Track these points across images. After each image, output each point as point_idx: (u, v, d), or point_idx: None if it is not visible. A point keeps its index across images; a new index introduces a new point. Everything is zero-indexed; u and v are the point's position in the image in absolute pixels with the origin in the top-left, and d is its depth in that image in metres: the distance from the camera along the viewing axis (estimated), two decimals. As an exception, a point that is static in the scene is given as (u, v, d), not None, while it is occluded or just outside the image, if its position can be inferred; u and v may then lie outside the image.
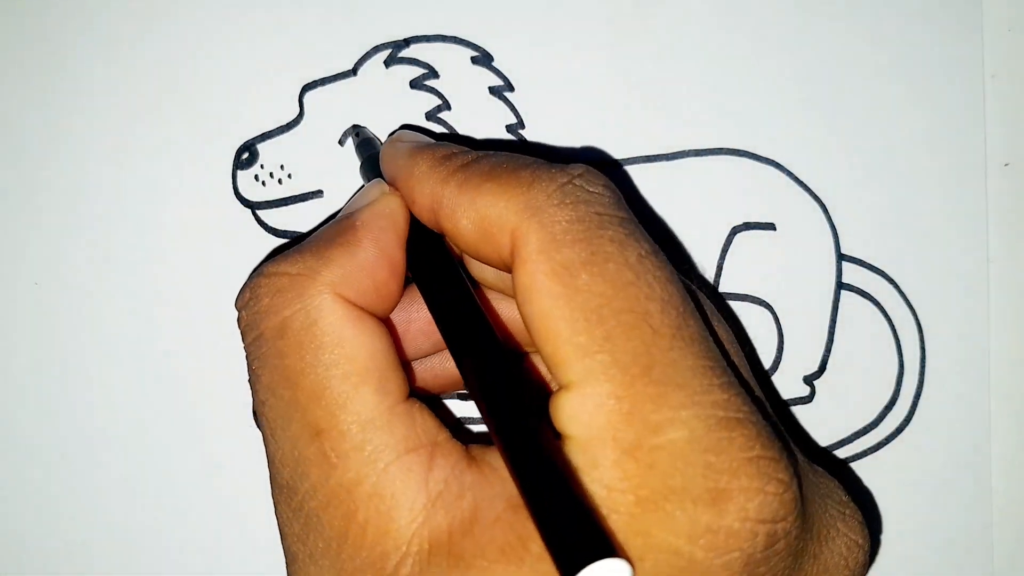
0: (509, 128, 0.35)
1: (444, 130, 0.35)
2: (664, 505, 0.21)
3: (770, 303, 0.35)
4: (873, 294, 0.36)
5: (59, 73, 0.35)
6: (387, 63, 0.35)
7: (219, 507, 0.35)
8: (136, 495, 0.35)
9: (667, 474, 0.21)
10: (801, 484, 0.23)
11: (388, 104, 0.35)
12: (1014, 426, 0.36)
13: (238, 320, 0.26)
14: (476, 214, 0.24)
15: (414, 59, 0.35)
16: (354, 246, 0.26)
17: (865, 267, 0.36)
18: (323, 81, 0.35)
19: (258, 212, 0.35)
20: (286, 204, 0.35)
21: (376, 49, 0.35)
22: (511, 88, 0.35)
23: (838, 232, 0.36)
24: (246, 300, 0.26)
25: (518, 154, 0.26)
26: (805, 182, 0.35)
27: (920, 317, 0.36)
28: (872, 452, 0.35)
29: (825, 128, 0.36)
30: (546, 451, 0.21)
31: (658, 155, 0.35)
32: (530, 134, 0.35)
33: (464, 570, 0.22)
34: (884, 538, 0.35)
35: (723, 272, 0.35)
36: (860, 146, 0.36)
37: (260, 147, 0.35)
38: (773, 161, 0.35)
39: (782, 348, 0.35)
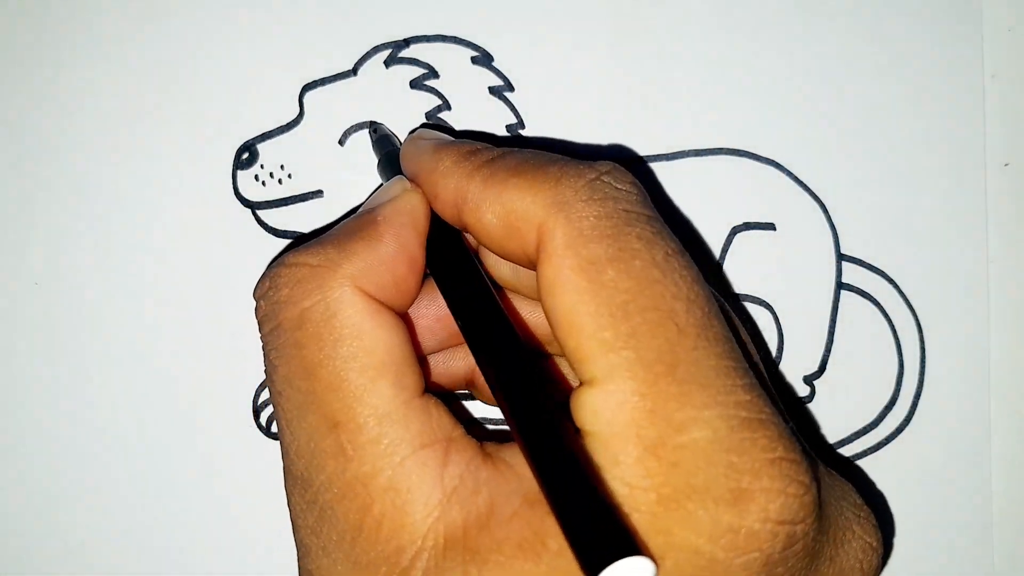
0: (509, 128, 0.35)
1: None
2: (686, 504, 0.21)
3: (770, 303, 0.35)
4: (873, 294, 0.36)
5: (59, 73, 0.35)
6: (387, 63, 0.35)
7: (219, 507, 0.35)
8: (136, 495, 0.35)
9: (690, 473, 0.21)
10: (820, 487, 0.23)
11: (388, 104, 0.35)
12: (1014, 426, 0.36)
13: (256, 309, 0.26)
14: (502, 208, 0.24)
15: (414, 59, 0.35)
16: (375, 240, 0.26)
17: (865, 267, 0.36)
18: (323, 81, 0.35)
19: (258, 212, 0.35)
20: (286, 204, 0.35)
21: (376, 49, 0.35)
22: (511, 88, 0.35)
23: (838, 232, 0.36)
24: (265, 289, 0.26)
25: (543, 151, 0.26)
26: (805, 182, 0.36)
27: (920, 317, 0.36)
28: (872, 452, 0.35)
29: (825, 128, 0.36)
30: (568, 447, 0.21)
31: (658, 155, 0.35)
32: (530, 134, 0.35)
33: (480, 565, 0.22)
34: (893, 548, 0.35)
35: (723, 272, 0.35)
36: (860, 146, 0.36)
37: (260, 147, 0.35)
38: (773, 161, 0.35)
39: (782, 348, 0.35)
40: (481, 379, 0.30)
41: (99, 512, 0.35)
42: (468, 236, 0.28)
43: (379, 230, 0.26)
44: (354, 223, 0.27)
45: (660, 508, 0.21)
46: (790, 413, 0.35)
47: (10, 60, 0.35)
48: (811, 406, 0.36)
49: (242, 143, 0.35)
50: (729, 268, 0.35)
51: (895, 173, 0.36)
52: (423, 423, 0.24)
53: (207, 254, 0.35)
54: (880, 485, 0.35)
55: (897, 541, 0.35)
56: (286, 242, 0.35)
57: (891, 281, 0.36)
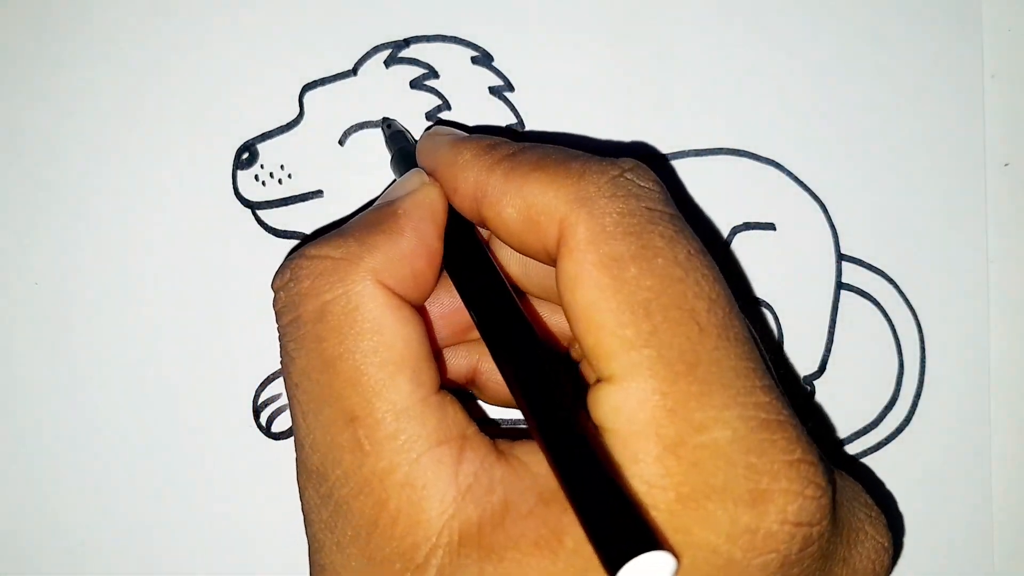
0: (509, 128, 0.35)
1: (444, 130, 0.35)
2: (705, 504, 0.21)
3: (770, 303, 0.35)
4: (873, 294, 0.36)
5: (59, 73, 0.35)
6: (387, 63, 0.35)
7: (219, 507, 0.35)
8: (136, 495, 0.35)
9: (709, 473, 0.21)
10: (835, 488, 0.23)
11: (388, 104, 0.35)
12: (1014, 426, 0.36)
13: (274, 300, 0.26)
14: (523, 202, 0.24)
15: (414, 59, 0.35)
16: (396, 234, 0.25)
17: (865, 267, 0.36)
18: (323, 81, 0.35)
19: (258, 212, 0.35)
20: (286, 204, 0.35)
21: (376, 49, 0.35)
22: (511, 88, 0.35)
23: (838, 232, 0.36)
24: (285, 280, 0.25)
25: (563, 147, 0.26)
26: (805, 182, 0.36)
27: (920, 317, 0.36)
28: (872, 452, 0.35)
29: (825, 128, 0.36)
30: (588, 442, 0.21)
31: (658, 155, 0.35)
32: (530, 134, 0.35)
33: (496, 563, 0.22)
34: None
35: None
36: (860, 146, 0.36)
37: (260, 147, 0.35)
38: (773, 161, 0.35)
39: (782, 348, 0.35)
40: (483, 377, 0.30)
41: (99, 512, 0.35)
42: (480, 232, 0.28)
43: (400, 224, 0.26)
44: (374, 215, 0.26)
45: (679, 506, 0.21)
46: (801, 414, 0.36)
47: (10, 60, 0.35)
48: (811, 406, 0.36)
49: (242, 143, 0.35)
50: (729, 268, 0.35)
51: (895, 173, 0.36)
52: (439, 420, 0.24)
53: (207, 254, 0.35)
54: (884, 485, 0.35)
55: (903, 541, 0.35)
56: (286, 242, 0.35)
57: (891, 281, 0.36)
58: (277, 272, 0.26)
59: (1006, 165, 0.36)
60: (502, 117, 0.35)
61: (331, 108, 0.35)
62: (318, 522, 0.24)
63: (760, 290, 0.35)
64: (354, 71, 0.35)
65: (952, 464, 0.35)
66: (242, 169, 0.35)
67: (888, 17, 0.36)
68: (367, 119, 0.35)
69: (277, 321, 0.26)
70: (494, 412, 0.35)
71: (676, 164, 0.35)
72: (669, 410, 0.22)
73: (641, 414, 0.22)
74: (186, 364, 0.35)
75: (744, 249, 0.35)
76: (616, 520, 0.20)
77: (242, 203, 0.35)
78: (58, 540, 0.35)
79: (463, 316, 0.28)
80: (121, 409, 0.35)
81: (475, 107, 0.35)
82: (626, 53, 0.35)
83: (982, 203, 0.36)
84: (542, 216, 0.24)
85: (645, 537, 0.19)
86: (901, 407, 0.36)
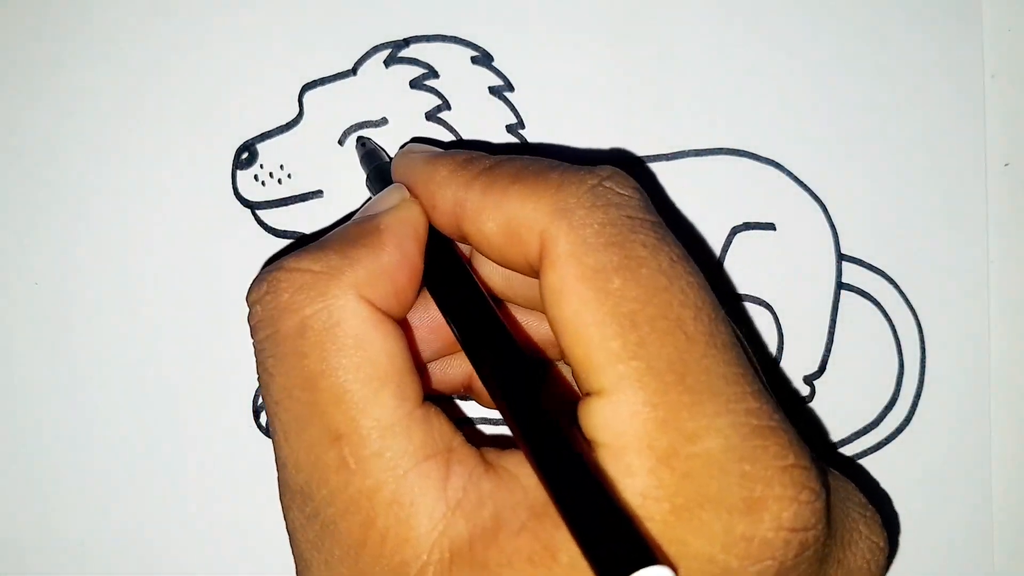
0: (509, 128, 0.35)
1: (444, 130, 0.35)
2: (700, 514, 0.21)
3: (770, 303, 0.35)
4: (873, 294, 0.36)
5: (59, 73, 0.35)
6: (387, 63, 0.35)
7: (219, 507, 0.35)
8: (136, 495, 0.35)
9: (703, 482, 0.21)
10: (828, 491, 0.23)
11: (388, 104, 0.35)
12: (1014, 426, 0.36)
13: (250, 315, 0.25)
14: (503, 216, 0.24)
15: (414, 59, 0.35)
16: (378, 249, 0.25)
17: (865, 267, 0.36)
18: (323, 81, 0.35)
19: (258, 212, 0.35)
20: (286, 204, 0.35)
21: (376, 49, 0.35)
22: (511, 88, 0.35)
23: (838, 232, 0.36)
24: (262, 294, 0.25)
25: (541, 157, 0.26)
26: (805, 182, 0.35)
27: (920, 317, 0.36)
28: (872, 452, 0.35)
29: (825, 128, 0.36)
30: (579, 457, 0.21)
31: (658, 155, 0.35)
32: (530, 134, 0.35)
33: None
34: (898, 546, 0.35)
35: (723, 272, 0.35)
36: (860, 146, 0.36)
37: (260, 147, 0.35)
38: (773, 161, 0.35)
39: (782, 348, 0.35)
40: (479, 384, 0.30)
41: (99, 512, 0.35)
42: (461, 247, 0.28)
43: (382, 239, 0.25)
44: (355, 229, 0.26)
45: (673, 518, 0.21)
46: (790, 413, 0.36)
47: (10, 60, 0.35)
48: (811, 406, 0.36)
49: (242, 143, 0.35)
50: (729, 268, 0.35)
51: (895, 173, 0.36)
52: (425, 434, 0.23)
53: (207, 254, 0.35)
54: (880, 485, 0.35)
55: (898, 540, 0.35)
56: (286, 242, 0.35)
57: (891, 281, 0.36)
58: (252, 285, 0.25)
59: (1006, 165, 0.36)
60: (502, 117, 0.35)
61: (331, 108, 0.35)
62: (304, 542, 0.24)
63: (760, 290, 0.35)
64: (354, 71, 0.35)
65: (952, 464, 0.35)
66: (242, 169, 0.35)
67: (888, 17, 0.36)
68: (367, 119, 0.35)
69: (253, 336, 0.25)
70: (492, 413, 0.35)
71: (676, 164, 0.35)
72: (660, 421, 0.21)
73: (632, 427, 0.21)
74: (186, 364, 0.35)
75: (744, 249, 0.35)
76: (612, 535, 0.19)
77: (242, 203, 0.35)
78: (58, 540, 0.35)
79: None
80: (121, 409, 0.35)
81: (475, 107, 0.35)
82: (626, 53, 0.35)
83: (982, 203, 0.36)
84: (522, 230, 0.24)
85: (642, 551, 0.19)
86: (901, 407, 0.36)
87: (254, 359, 0.25)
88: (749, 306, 0.36)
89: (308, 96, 0.35)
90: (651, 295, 0.22)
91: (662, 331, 0.22)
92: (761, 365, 0.29)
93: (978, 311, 0.36)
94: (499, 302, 0.29)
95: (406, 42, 0.35)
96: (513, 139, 0.35)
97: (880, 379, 0.36)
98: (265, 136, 0.35)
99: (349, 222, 0.27)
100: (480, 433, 0.35)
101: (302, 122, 0.35)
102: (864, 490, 0.27)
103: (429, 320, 0.28)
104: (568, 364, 0.23)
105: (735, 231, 0.35)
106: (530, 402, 0.22)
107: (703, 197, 0.35)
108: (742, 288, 0.35)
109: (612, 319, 0.22)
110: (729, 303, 0.35)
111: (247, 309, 0.25)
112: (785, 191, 0.35)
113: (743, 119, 0.35)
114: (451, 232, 0.26)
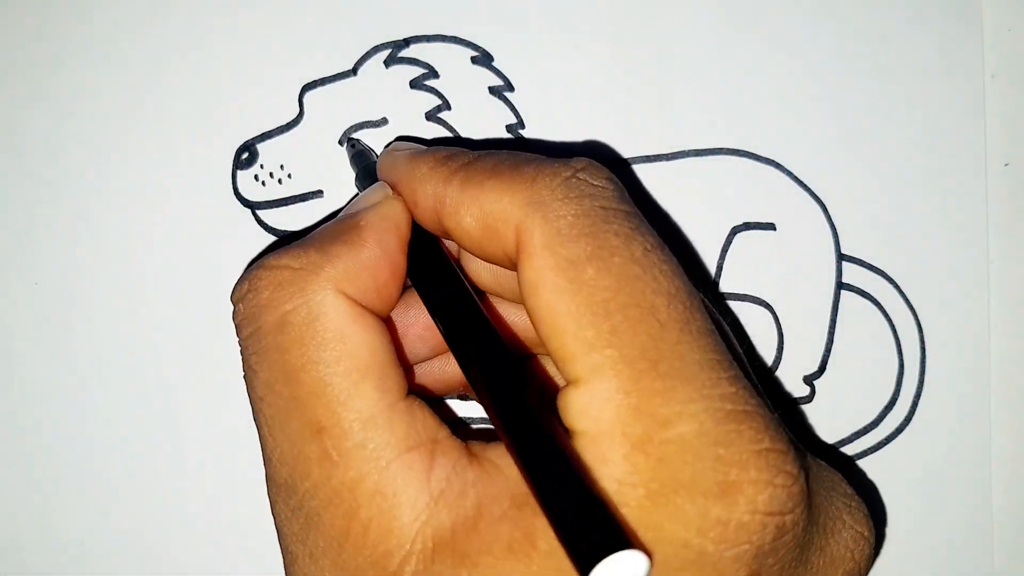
0: (509, 128, 0.35)
1: (444, 130, 0.35)
2: (674, 499, 0.21)
3: (770, 303, 0.35)
4: (873, 294, 0.36)
5: (59, 73, 0.35)
6: (387, 63, 0.35)
7: (219, 507, 0.35)
8: (135, 495, 0.35)
9: (677, 468, 0.21)
10: (808, 477, 0.23)
11: (388, 104, 0.35)
12: (1014, 426, 0.36)
13: (234, 313, 0.26)
14: (480, 211, 0.24)
15: (414, 59, 0.35)
16: (358, 245, 0.25)
17: (865, 267, 0.36)
18: (323, 81, 0.35)
19: (258, 212, 0.35)
20: (286, 204, 0.35)
21: (376, 49, 0.35)
22: (511, 88, 0.35)
23: (838, 232, 0.36)
24: (244, 292, 0.25)
25: (520, 152, 0.26)
26: (805, 182, 0.35)
27: (920, 317, 0.36)
28: (872, 452, 0.35)
29: (825, 128, 0.36)
30: (554, 444, 0.21)
31: (658, 155, 0.35)
32: (530, 134, 0.35)
33: (471, 568, 0.22)
34: (884, 538, 0.35)
35: (723, 272, 0.35)
36: (860, 146, 0.36)
37: (260, 147, 0.35)
38: (773, 161, 0.35)
39: (782, 348, 0.35)
40: None
41: (98, 512, 0.35)
42: (448, 243, 0.28)
43: (362, 235, 0.26)
44: (335, 227, 0.26)
45: (648, 503, 0.21)
46: (789, 413, 0.36)
47: (10, 60, 0.35)
48: (811, 406, 0.36)
49: (242, 143, 0.35)
50: (729, 268, 0.35)
51: (895, 173, 0.36)
52: (408, 426, 0.24)
53: (207, 254, 0.35)
54: (880, 485, 0.35)
55: (897, 540, 0.35)
56: (278, 240, 0.35)
57: (891, 281, 0.36)
58: (236, 284, 0.26)
59: (1006, 165, 0.36)
60: (502, 117, 0.35)
61: (331, 108, 0.35)
62: (290, 535, 0.24)
63: (760, 290, 0.35)
64: (354, 71, 0.35)
65: (952, 464, 0.35)
66: (242, 169, 0.35)
67: (888, 17, 0.36)
68: (367, 119, 0.35)
69: (238, 334, 0.25)
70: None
71: (676, 164, 0.35)
72: (634, 408, 0.22)
73: (606, 414, 0.22)
74: (186, 364, 0.35)
75: (744, 249, 0.35)
76: (586, 520, 0.20)
77: (242, 203, 0.35)
78: (58, 540, 0.35)
79: None
80: (121, 409, 0.35)
81: (475, 107, 0.35)
82: (626, 53, 0.35)
83: (982, 203, 0.36)
84: (499, 223, 0.24)
85: (616, 536, 0.19)
86: (901, 407, 0.36)
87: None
88: (749, 306, 0.36)
89: (308, 96, 0.35)
90: (623, 283, 0.23)
91: (635, 319, 0.22)
92: (746, 353, 0.30)
93: (978, 311, 0.36)
94: (484, 297, 0.29)
95: (406, 42, 0.35)
96: (513, 139, 0.35)
97: (880, 379, 0.36)
98: (265, 136, 0.35)
99: (332, 220, 0.27)
100: (469, 429, 0.35)
101: (302, 122, 0.35)
102: (852, 482, 0.27)
103: (425, 317, 0.28)
104: (549, 356, 0.23)
105: (735, 231, 0.35)
106: (510, 392, 0.23)
107: (703, 197, 0.35)
108: (742, 288, 0.35)
109: (586, 308, 0.22)
110: (715, 297, 0.35)
111: (232, 313, 0.26)
112: (785, 191, 0.35)
113: (743, 119, 0.35)
114: (433, 228, 0.27)
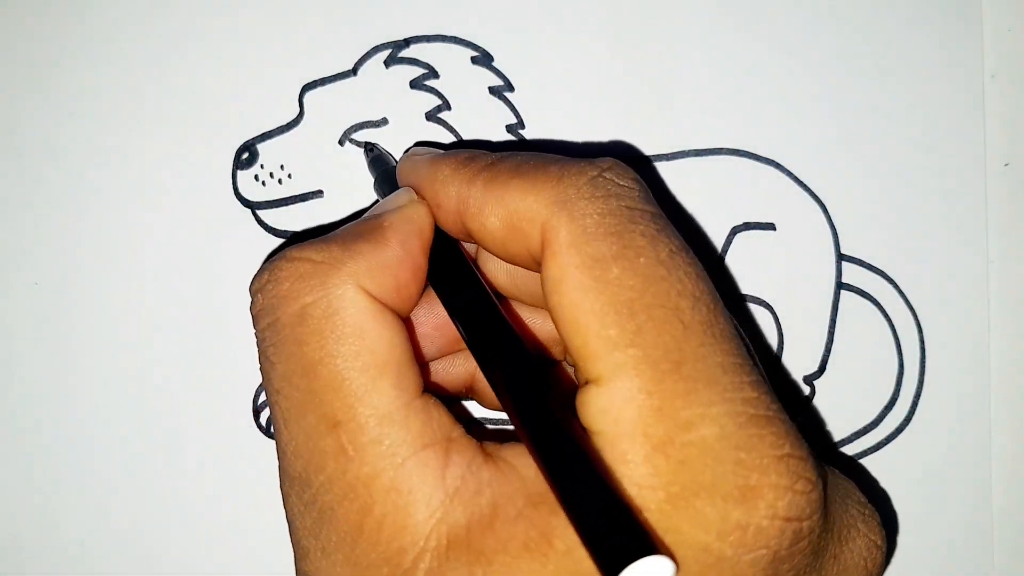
0: (509, 128, 0.35)
1: (444, 130, 0.35)
2: (694, 502, 0.21)
3: (770, 303, 0.35)
4: (873, 294, 0.36)
5: (59, 73, 0.35)
6: (387, 63, 0.35)
7: (219, 507, 0.35)
8: (136, 495, 0.35)
9: (697, 471, 0.21)
10: (825, 484, 0.23)
11: (388, 104, 0.35)
12: (1014, 426, 0.36)
13: (252, 304, 0.25)
14: (504, 210, 0.24)
15: (414, 59, 0.35)
16: (381, 244, 0.25)
17: (865, 267, 0.36)
18: (323, 81, 0.35)
19: (258, 212, 0.35)
20: (286, 204, 0.35)
21: (376, 49, 0.35)
22: (511, 88, 0.35)
23: (838, 232, 0.36)
24: (263, 283, 0.25)
25: (542, 152, 0.26)
26: (805, 182, 0.36)
27: (920, 317, 0.36)
28: (872, 452, 0.35)
29: (825, 128, 0.36)
30: (578, 446, 0.21)
31: (658, 155, 0.35)
32: (530, 134, 0.35)
33: (485, 566, 0.22)
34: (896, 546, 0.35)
35: (724, 272, 0.35)
36: (860, 146, 0.36)
37: (260, 147, 0.35)
38: (773, 161, 0.35)
39: (782, 348, 0.35)
40: (481, 383, 0.30)
41: (99, 512, 0.35)
42: (466, 247, 0.28)
43: (385, 235, 0.26)
44: (360, 226, 0.26)
45: (669, 506, 0.21)
46: (790, 413, 0.36)
47: (10, 60, 0.35)
48: (811, 406, 0.35)
49: (242, 143, 0.35)
50: (729, 268, 0.35)
51: (895, 173, 0.36)
52: (424, 423, 0.24)
53: (207, 254, 0.35)
54: (880, 484, 0.35)
55: (897, 540, 0.35)
56: (284, 241, 0.35)
57: (891, 281, 0.36)
58: (256, 275, 0.25)
59: (1006, 165, 0.36)
60: (502, 117, 0.35)
61: (331, 108, 0.35)
62: (302, 529, 0.24)
63: (760, 290, 0.35)
64: (354, 71, 0.35)
65: (952, 464, 0.35)
66: (242, 169, 0.35)
67: (888, 17, 0.36)
68: (367, 119, 0.35)
69: (255, 325, 0.25)
70: (494, 414, 0.35)
71: (676, 164, 0.35)
72: (656, 409, 0.22)
73: (628, 414, 0.22)
74: (186, 364, 0.35)
75: (744, 249, 0.35)
76: (612, 524, 0.20)
77: (242, 203, 0.35)
78: (58, 540, 0.35)
79: None
80: (121, 409, 0.35)
81: (475, 107, 0.35)
82: (626, 53, 0.35)
83: (982, 203, 0.36)
84: (524, 222, 0.24)
85: (641, 541, 0.19)
86: (901, 407, 0.36)
87: (256, 352, 0.25)
88: (749, 306, 0.36)
89: (308, 96, 0.35)
90: (649, 284, 0.23)
91: (659, 320, 0.22)
92: (762, 360, 0.30)
93: (978, 311, 0.36)
94: (503, 300, 0.29)
95: (406, 42, 0.35)
96: (513, 139, 0.35)
97: (880, 379, 0.36)
98: (265, 136, 0.35)
99: (356, 220, 0.27)
100: (483, 429, 0.35)
101: (302, 122, 0.35)
102: (864, 490, 0.27)
103: (433, 318, 0.28)
104: (569, 355, 0.23)
105: (735, 231, 0.35)
106: (532, 393, 0.23)
107: (703, 197, 0.35)
108: (742, 288, 0.35)
109: (610, 307, 0.22)
110: (731, 301, 0.35)
111: (249, 304, 0.26)
112: (785, 191, 0.35)
113: (743, 119, 0.35)
114: (456, 230, 0.27)
